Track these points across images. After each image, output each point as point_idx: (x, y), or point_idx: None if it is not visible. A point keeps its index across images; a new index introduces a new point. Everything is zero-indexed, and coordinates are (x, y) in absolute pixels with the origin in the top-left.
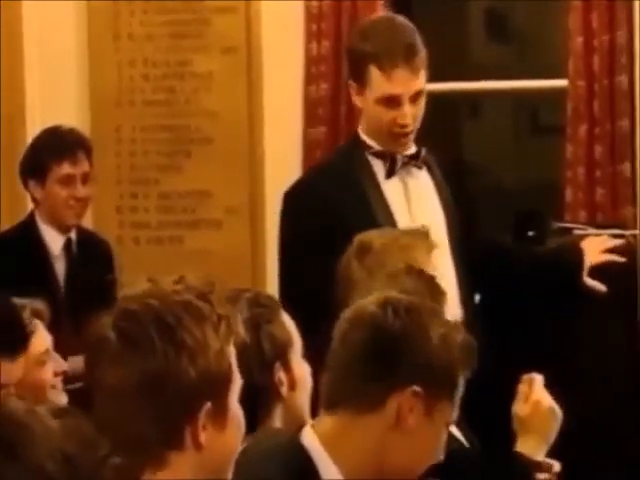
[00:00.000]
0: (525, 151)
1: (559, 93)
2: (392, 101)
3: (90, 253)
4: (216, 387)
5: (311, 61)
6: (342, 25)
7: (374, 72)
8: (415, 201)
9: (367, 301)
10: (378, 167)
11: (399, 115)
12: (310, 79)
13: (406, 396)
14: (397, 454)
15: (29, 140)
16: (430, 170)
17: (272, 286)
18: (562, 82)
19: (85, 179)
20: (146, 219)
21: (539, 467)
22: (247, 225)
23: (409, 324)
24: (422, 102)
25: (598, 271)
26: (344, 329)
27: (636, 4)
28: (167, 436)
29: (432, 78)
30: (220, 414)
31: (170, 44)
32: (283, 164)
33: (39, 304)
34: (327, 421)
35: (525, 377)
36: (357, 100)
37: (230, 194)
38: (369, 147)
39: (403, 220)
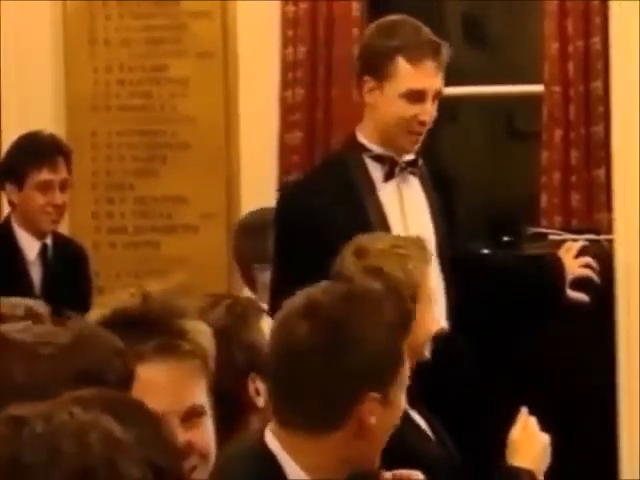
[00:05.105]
0: (500, 156)
1: (534, 98)
2: (417, 96)
3: (66, 259)
4: None
5: (287, 66)
6: (318, 30)
7: (402, 64)
8: (408, 208)
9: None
10: (375, 171)
11: (421, 111)
12: (286, 84)
13: (364, 406)
14: (364, 452)
15: (4, 144)
16: (422, 181)
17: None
18: (537, 87)
19: (63, 186)
20: (122, 224)
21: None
22: (223, 230)
23: (340, 337)
24: (436, 105)
25: (576, 281)
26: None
27: (611, 10)
28: None
29: None
30: None
31: (146, 49)
32: (259, 169)
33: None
34: (286, 434)
35: (524, 409)
36: (369, 97)
37: (206, 199)
38: (368, 150)
39: (396, 225)
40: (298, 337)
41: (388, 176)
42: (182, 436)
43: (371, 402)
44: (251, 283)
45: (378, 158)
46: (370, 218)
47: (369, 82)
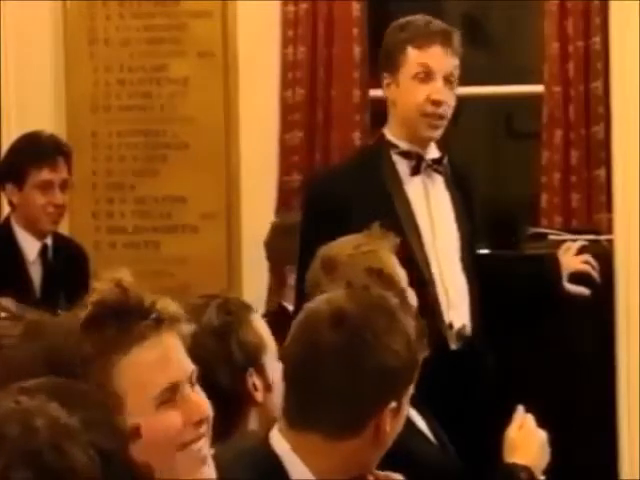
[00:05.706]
0: (500, 156)
1: (535, 98)
2: (425, 75)
3: (66, 259)
4: None
5: (287, 66)
6: (318, 30)
7: (410, 52)
8: (434, 204)
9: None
10: (402, 166)
11: (432, 91)
12: (286, 84)
13: (383, 415)
14: (372, 458)
15: (4, 144)
16: (447, 180)
17: (248, 291)
18: (538, 87)
19: (64, 186)
20: (122, 224)
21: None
22: (223, 230)
23: (366, 350)
24: (454, 91)
25: (576, 278)
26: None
27: (611, 10)
28: None
29: None
30: None
31: (146, 49)
32: (259, 169)
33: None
34: (299, 437)
35: (520, 407)
36: (388, 92)
37: (206, 199)
38: (395, 147)
39: (422, 219)
40: (324, 344)
41: (414, 171)
42: (201, 400)
43: (389, 411)
44: (281, 283)
45: (405, 154)
46: (397, 211)
47: (386, 78)
